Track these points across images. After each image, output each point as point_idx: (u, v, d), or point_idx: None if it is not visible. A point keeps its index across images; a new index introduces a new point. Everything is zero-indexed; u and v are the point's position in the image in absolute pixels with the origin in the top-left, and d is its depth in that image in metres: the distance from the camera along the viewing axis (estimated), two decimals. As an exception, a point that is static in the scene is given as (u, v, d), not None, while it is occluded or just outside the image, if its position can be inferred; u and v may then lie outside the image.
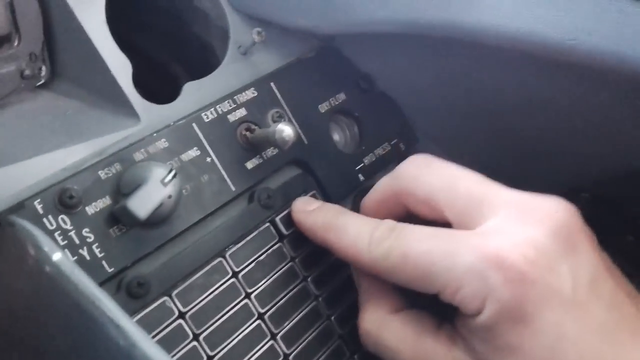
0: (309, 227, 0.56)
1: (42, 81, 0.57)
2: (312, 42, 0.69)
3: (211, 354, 0.51)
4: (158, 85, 0.61)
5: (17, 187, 0.47)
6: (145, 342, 0.31)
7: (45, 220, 0.46)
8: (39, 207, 0.46)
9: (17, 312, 0.37)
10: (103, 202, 0.50)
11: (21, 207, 0.45)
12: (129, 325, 0.32)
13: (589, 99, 0.55)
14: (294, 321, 0.57)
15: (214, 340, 0.52)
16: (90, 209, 0.49)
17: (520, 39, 0.50)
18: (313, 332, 0.58)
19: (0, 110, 0.54)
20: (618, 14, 0.46)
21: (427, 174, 0.51)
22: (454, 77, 0.65)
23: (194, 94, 0.59)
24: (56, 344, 0.34)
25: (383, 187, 0.56)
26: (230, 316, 0.54)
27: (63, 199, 0.47)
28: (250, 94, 0.61)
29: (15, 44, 0.54)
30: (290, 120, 0.62)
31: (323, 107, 0.66)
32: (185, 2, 0.64)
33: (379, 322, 0.51)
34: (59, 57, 0.57)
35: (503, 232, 0.43)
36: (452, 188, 0.49)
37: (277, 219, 0.58)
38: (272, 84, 0.63)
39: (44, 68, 0.56)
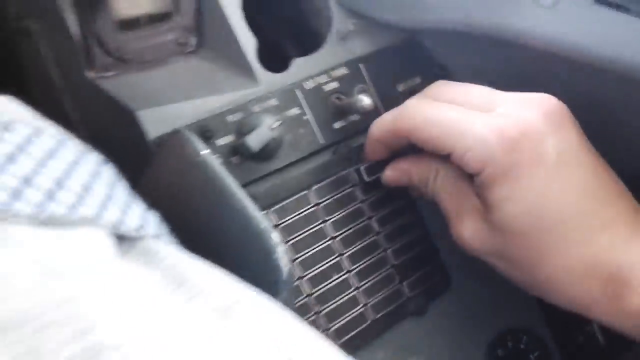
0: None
1: (192, 49, 0.77)
2: (397, 33, 0.85)
3: (294, 257, 0.70)
4: (273, 57, 0.80)
5: (173, 121, 0.67)
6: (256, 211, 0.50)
7: (190, 144, 0.66)
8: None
9: (177, 193, 0.57)
10: (228, 138, 0.69)
11: (176, 132, 0.65)
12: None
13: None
14: (357, 247, 0.74)
15: (296, 247, 0.70)
16: (219, 142, 0.68)
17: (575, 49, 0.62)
18: (371, 258, 0.75)
19: (160, 68, 0.74)
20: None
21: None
22: (525, 76, 0.77)
23: (300, 68, 0.77)
24: (199, 215, 0.54)
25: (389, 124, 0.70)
26: (309, 234, 0.72)
27: (203, 131, 0.67)
28: (343, 71, 0.78)
29: (175, 19, 0.74)
30: (370, 94, 0.79)
31: (400, 87, 0.82)
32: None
33: (477, 227, 0.62)
34: (205, 31, 0.77)
35: (506, 114, 0.56)
36: (469, 92, 0.63)
37: (362, 168, 0.75)
38: (360, 65, 0.80)
39: (193, 39, 0.77)
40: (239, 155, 0.69)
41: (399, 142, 0.69)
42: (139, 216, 0.38)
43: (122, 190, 0.41)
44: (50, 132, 0.37)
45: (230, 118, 0.70)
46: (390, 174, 0.73)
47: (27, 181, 0.31)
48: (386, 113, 0.72)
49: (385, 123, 0.70)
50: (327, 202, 0.74)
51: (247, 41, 0.75)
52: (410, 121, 0.64)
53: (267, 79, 0.75)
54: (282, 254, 0.49)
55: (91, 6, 0.66)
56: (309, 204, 0.73)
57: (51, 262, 0.28)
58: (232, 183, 0.53)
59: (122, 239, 0.36)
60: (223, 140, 0.69)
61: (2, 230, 0.28)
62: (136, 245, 0.36)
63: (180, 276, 0.33)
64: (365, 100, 0.72)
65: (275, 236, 0.50)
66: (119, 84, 0.70)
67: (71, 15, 0.67)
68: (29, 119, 0.37)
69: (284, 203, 0.71)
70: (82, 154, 0.38)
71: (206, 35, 0.77)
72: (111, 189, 0.39)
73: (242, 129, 0.69)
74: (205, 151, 0.57)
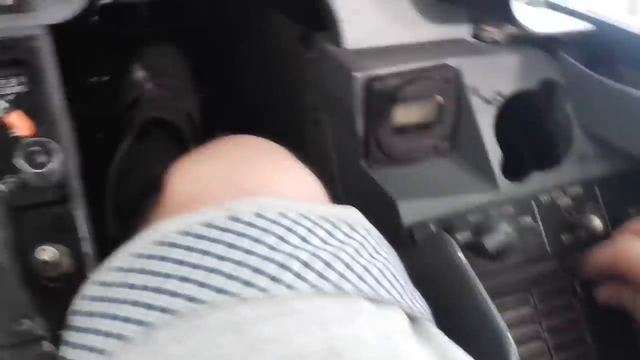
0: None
1: (444, 152, 0.92)
2: (635, 160, 0.90)
3: None
4: (514, 169, 0.91)
5: (424, 212, 0.82)
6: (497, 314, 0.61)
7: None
8: (433, 227, 0.80)
9: (428, 281, 0.71)
10: (466, 235, 0.82)
11: (439, 233, 0.79)
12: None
13: None
14: (568, 355, 0.81)
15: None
16: (458, 236, 0.81)
17: None
18: None
19: (418, 166, 0.90)
20: None
21: None
22: None
23: (537, 180, 0.87)
24: (444, 303, 0.66)
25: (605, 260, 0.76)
26: (524, 333, 0.80)
27: (446, 226, 0.80)
28: (578, 189, 0.87)
29: (436, 128, 0.90)
30: (601, 215, 0.86)
31: (632, 211, 0.88)
32: (548, 117, 0.93)
33: None
34: (458, 139, 0.91)
35: None
36: None
37: (579, 282, 0.82)
38: (595, 186, 0.87)
39: (447, 144, 0.91)
40: (473, 251, 0.81)
41: (615, 273, 0.76)
42: (421, 300, 0.52)
43: (406, 275, 0.55)
44: (373, 234, 0.53)
45: (471, 218, 0.82)
46: (603, 293, 0.80)
47: (366, 269, 0.47)
48: (607, 245, 0.78)
49: (605, 258, 0.77)
50: (544, 306, 0.82)
51: (493, 152, 0.87)
52: (629, 262, 0.70)
53: (507, 187, 0.86)
54: (516, 357, 0.59)
55: (377, 115, 0.84)
56: (528, 304, 0.81)
57: (385, 328, 0.43)
58: (479, 285, 0.65)
59: (411, 319, 0.50)
60: (461, 236, 0.81)
61: (357, 302, 0.44)
62: (419, 324, 0.50)
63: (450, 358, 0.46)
64: (596, 222, 0.80)
65: (510, 339, 0.60)
66: (385, 175, 0.87)
67: (360, 119, 0.86)
68: (363, 222, 0.54)
69: (505, 299, 0.81)
70: (388, 247, 0.54)
71: (458, 142, 0.91)
72: (403, 274, 0.53)
73: (480, 229, 0.81)
74: (461, 255, 0.70)
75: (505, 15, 0.82)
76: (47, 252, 0.57)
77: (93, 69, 1.45)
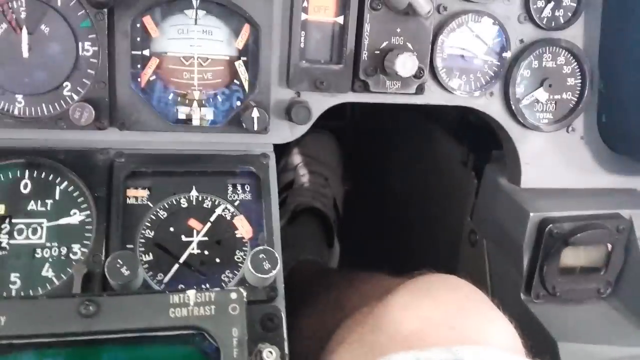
0: None
1: (604, 296, 0.93)
2: None
3: None
4: None
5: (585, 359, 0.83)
6: None
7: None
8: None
9: None
10: (627, 389, 0.82)
11: None
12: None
13: None
14: None
15: None
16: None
17: None
18: None
19: (578, 307, 0.92)
20: None
21: None
22: None
23: None
24: None
25: None
26: None
27: None
28: None
29: (601, 273, 0.92)
30: None
31: None
32: None
33: None
34: (623, 284, 0.92)
35: None
36: None
37: None
38: None
39: (609, 289, 0.93)
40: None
41: None
42: None
43: None
44: None
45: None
46: None
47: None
48: None
49: None
50: None
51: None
52: None
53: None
54: None
55: (546, 254, 0.88)
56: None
57: None
58: None
59: None
60: None
61: None
62: None
63: None
64: None
65: None
66: (544, 312, 0.90)
67: (528, 255, 0.90)
68: None
69: None
70: None
71: (622, 288, 0.93)
72: None
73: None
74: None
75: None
76: (264, 351, 0.65)
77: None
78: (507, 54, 0.90)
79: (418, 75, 0.84)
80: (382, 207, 1.53)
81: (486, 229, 1.03)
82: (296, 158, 1.60)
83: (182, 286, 0.74)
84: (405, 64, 0.81)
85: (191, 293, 0.60)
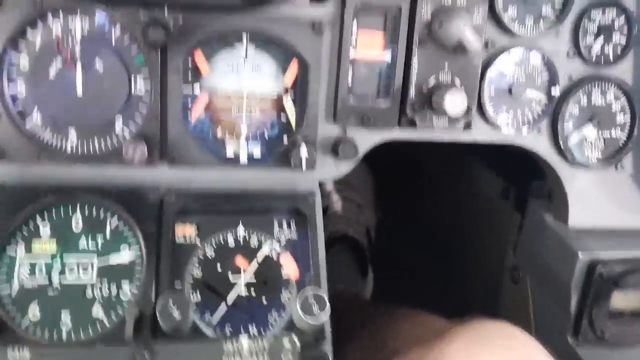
0: None
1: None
2: None
3: None
4: None
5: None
6: None
7: None
8: None
9: None
10: None
11: None
12: None
13: None
14: None
15: None
16: None
17: None
18: None
19: (632, 350, 0.89)
20: None
21: None
22: None
23: None
24: None
25: None
26: None
27: None
28: None
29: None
30: None
31: None
32: None
33: None
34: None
35: None
36: None
37: None
38: None
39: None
40: None
41: None
42: None
43: None
44: None
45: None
46: None
47: None
48: None
49: None
50: None
51: None
52: None
53: None
54: None
55: (595, 297, 0.86)
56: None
57: None
58: None
59: None
60: None
61: None
62: None
63: None
64: None
65: None
66: (592, 356, 0.87)
67: (576, 297, 0.88)
68: None
69: None
70: None
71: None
72: None
73: None
74: None
75: None
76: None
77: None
78: (556, 90, 0.88)
79: (466, 112, 0.83)
80: (415, 236, 1.51)
81: (530, 267, 1.01)
82: (329, 184, 1.60)
83: (231, 330, 0.73)
84: (455, 102, 0.80)
85: (244, 341, 0.59)
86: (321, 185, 0.96)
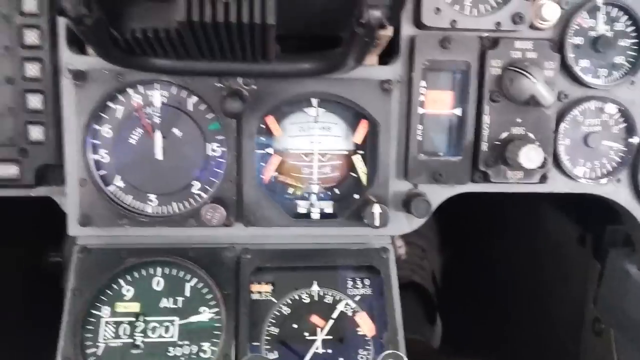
0: None
1: None
2: None
3: None
4: None
5: None
6: None
7: None
8: None
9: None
10: None
11: None
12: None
13: None
14: None
15: None
16: None
17: None
18: None
19: None
20: None
21: None
22: None
23: None
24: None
25: None
26: None
27: None
28: None
29: None
30: None
31: None
32: None
33: None
34: None
35: None
36: None
37: None
38: None
39: None
40: None
41: None
42: None
43: None
44: None
45: None
46: None
47: None
48: None
49: None
50: None
51: None
52: None
53: None
54: None
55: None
56: None
57: None
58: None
59: None
60: None
61: None
62: None
63: None
64: None
65: None
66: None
67: None
68: None
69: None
70: None
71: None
72: None
73: None
74: None
75: None
76: None
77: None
78: (635, 140, 0.86)
79: (542, 165, 0.81)
80: (485, 282, 1.47)
81: (614, 319, 0.97)
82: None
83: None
84: (530, 156, 0.79)
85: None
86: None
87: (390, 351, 0.69)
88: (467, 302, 1.49)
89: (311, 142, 0.82)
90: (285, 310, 0.78)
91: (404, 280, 1.48)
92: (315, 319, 0.78)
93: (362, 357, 0.76)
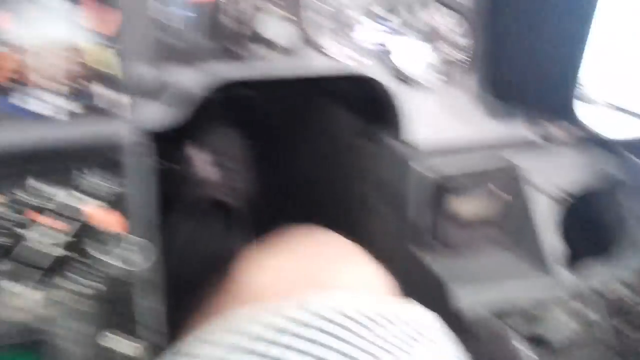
0: None
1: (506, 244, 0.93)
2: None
3: None
4: (571, 261, 0.90)
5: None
6: None
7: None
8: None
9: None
10: (518, 321, 0.81)
11: (502, 328, 0.79)
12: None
13: None
14: None
15: None
16: (509, 322, 0.81)
17: None
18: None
19: (481, 256, 0.91)
20: None
21: None
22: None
23: (594, 272, 0.88)
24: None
25: None
26: None
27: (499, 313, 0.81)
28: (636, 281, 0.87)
29: (496, 225, 0.92)
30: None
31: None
32: (608, 212, 0.95)
33: None
34: (520, 232, 0.92)
35: None
36: None
37: None
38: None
39: (507, 238, 0.93)
40: (532, 344, 0.81)
41: None
42: None
43: None
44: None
45: (527, 308, 0.83)
46: None
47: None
48: None
49: None
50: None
51: (553, 246, 0.88)
52: None
53: (565, 279, 0.87)
54: None
55: (436, 210, 0.87)
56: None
57: None
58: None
59: None
60: (513, 322, 0.81)
61: None
62: None
63: None
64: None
65: None
66: (438, 262, 0.89)
67: (416, 208, 0.89)
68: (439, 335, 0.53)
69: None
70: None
71: (519, 236, 0.92)
72: None
73: (537, 321, 0.82)
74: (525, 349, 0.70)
75: (569, 116, 0.85)
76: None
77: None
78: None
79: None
80: (294, 196, 1.46)
81: (377, 192, 1.01)
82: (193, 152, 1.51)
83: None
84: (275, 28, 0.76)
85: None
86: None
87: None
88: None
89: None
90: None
91: (208, 199, 1.44)
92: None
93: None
